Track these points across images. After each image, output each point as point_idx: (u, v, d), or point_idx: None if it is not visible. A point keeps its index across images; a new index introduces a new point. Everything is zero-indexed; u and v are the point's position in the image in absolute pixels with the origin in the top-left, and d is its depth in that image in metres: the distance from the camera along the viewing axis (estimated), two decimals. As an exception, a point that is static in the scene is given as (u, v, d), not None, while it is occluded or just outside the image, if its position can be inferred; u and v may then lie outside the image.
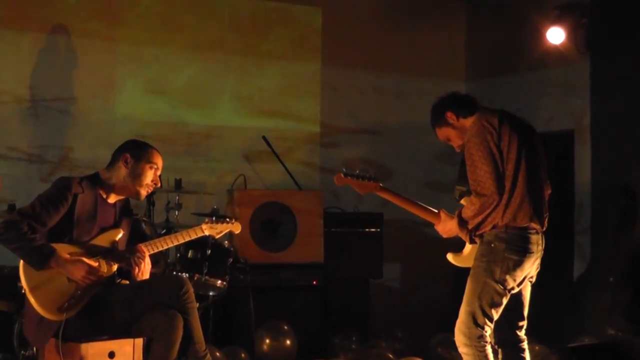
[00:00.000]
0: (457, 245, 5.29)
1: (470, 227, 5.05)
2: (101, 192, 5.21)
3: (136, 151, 5.26)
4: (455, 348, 5.18)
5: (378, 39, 9.74)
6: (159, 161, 5.31)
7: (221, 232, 5.66)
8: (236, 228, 5.78)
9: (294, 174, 8.24)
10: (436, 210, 5.29)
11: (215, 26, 8.92)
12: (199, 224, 5.58)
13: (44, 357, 5.05)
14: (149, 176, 5.25)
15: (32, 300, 4.84)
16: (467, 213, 5.03)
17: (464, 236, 5.13)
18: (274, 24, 9.25)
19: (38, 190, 5.13)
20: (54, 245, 4.89)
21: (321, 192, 8.25)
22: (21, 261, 4.88)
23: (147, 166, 5.23)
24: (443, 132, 5.27)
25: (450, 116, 5.19)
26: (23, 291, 4.91)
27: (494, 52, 9.79)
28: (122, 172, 5.20)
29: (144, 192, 5.27)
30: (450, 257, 5.32)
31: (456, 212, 5.12)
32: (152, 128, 8.51)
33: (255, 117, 9.12)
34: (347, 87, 9.71)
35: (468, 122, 5.14)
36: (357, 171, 5.33)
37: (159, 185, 5.39)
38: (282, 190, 8.11)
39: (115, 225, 5.27)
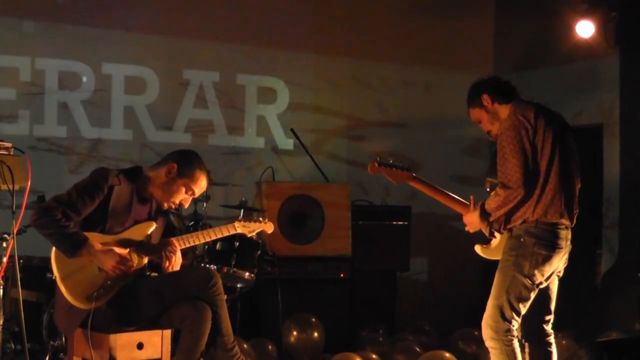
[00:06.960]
0: (484, 238, 5.27)
1: (491, 219, 5.04)
2: (138, 187, 5.18)
3: (184, 167, 5.18)
4: (476, 342, 5.17)
5: (406, 32, 9.72)
6: (199, 189, 5.24)
7: (254, 230, 5.63)
8: (269, 228, 5.74)
9: (321, 166, 8.24)
10: (467, 202, 5.28)
11: (244, 18, 8.93)
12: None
13: (72, 347, 5.09)
14: (181, 196, 5.20)
15: (62, 288, 4.88)
16: (490, 205, 5.02)
17: (484, 228, 5.11)
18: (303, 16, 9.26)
19: (67, 182, 5.16)
20: (87, 234, 4.92)
21: (349, 185, 8.25)
22: (53, 249, 4.91)
23: (184, 188, 5.18)
24: (475, 113, 5.26)
25: (485, 99, 5.18)
26: (54, 278, 4.93)
27: (523, 45, 9.74)
28: (161, 177, 5.17)
29: (166, 206, 5.24)
30: (478, 248, 5.29)
31: (479, 203, 5.12)
32: (180, 120, 8.56)
33: (283, 110, 9.13)
34: (375, 80, 9.71)
35: (503, 109, 5.13)
36: (391, 160, 5.34)
37: (185, 207, 5.35)
38: (309, 182, 8.10)
39: (149, 220, 5.26)
